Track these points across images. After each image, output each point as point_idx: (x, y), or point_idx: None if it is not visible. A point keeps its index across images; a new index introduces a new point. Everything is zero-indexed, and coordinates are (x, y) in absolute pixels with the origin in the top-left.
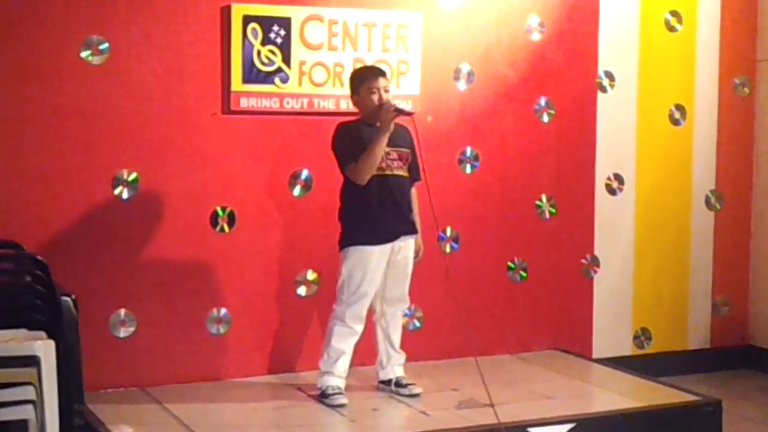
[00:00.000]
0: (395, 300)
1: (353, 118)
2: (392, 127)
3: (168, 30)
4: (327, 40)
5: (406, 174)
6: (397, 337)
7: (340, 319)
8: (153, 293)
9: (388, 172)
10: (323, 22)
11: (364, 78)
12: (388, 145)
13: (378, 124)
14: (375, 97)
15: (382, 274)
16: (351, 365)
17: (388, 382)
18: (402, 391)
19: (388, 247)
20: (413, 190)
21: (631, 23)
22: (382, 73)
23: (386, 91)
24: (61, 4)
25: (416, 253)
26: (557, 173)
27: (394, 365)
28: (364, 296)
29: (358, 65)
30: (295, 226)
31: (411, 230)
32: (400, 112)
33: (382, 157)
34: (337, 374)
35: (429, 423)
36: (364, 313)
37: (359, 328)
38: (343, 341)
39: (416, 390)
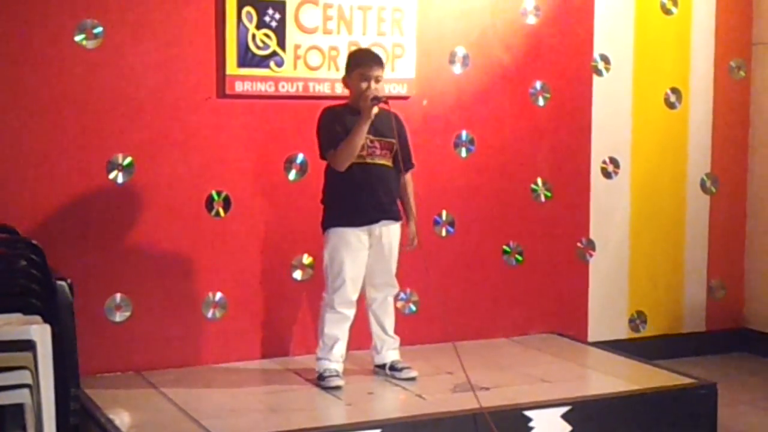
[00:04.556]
0: (383, 285)
1: (342, 101)
2: (372, 116)
3: (162, 13)
4: (322, 23)
5: (388, 163)
6: (389, 323)
7: (329, 306)
8: (148, 277)
9: (368, 160)
10: (318, 6)
11: (360, 63)
12: (371, 133)
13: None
14: (364, 85)
15: (364, 258)
16: (348, 349)
17: (383, 367)
18: (397, 374)
19: (367, 230)
20: (408, 177)
21: (626, 6)
22: (379, 63)
23: (378, 81)
24: None
25: (410, 241)
26: (552, 157)
27: (388, 350)
28: (347, 280)
29: (358, 47)
30: (291, 211)
31: (391, 216)
32: (378, 101)
33: (363, 145)
34: (333, 359)
35: (425, 406)
36: (353, 297)
37: (350, 312)
38: (336, 327)
39: (412, 374)
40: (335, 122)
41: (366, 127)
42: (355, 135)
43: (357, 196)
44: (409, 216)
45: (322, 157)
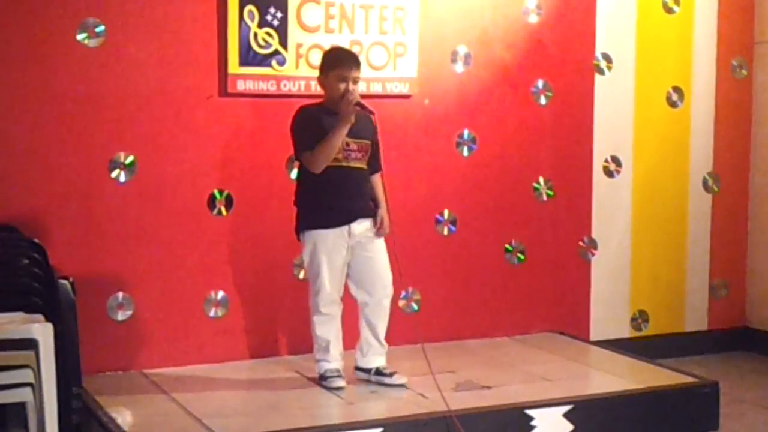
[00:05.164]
0: (374, 288)
1: (316, 100)
2: (353, 119)
3: (164, 12)
4: (324, 22)
5: (364, 166)
6: (382, 327)
7: (315, 310)
8: (150, 276)
9: (344, 163)
10: (320, 4)
11: (338, 64)
12: (349, 135)
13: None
14: (342, 86)
15: (343, 257)
16: (345, 347)
17: (367, 371)
18: (386, 380)
19: (344, 230)
20: (377, 179)
21: (628, 5)
22: (357, 63)
23: (355, 82)
24: None
25: (380, 225)
26: (555, 156)
27: (374, 355)
28: (327, 281)
29: (333, 46)
30: (293, 209)
31: (367, 214)
32: (361, 107)
33: (339, 147)
34: (332, 359)
35: (427, 405)
36: (337, 296)
37: (337, 311)
38: (326, 329)
39: (402, 380)
40: (311, 123)
41: (345, 131)
42: (334, 137)
43: (331, 200)
44: (379, 204)
45: (297, 158)
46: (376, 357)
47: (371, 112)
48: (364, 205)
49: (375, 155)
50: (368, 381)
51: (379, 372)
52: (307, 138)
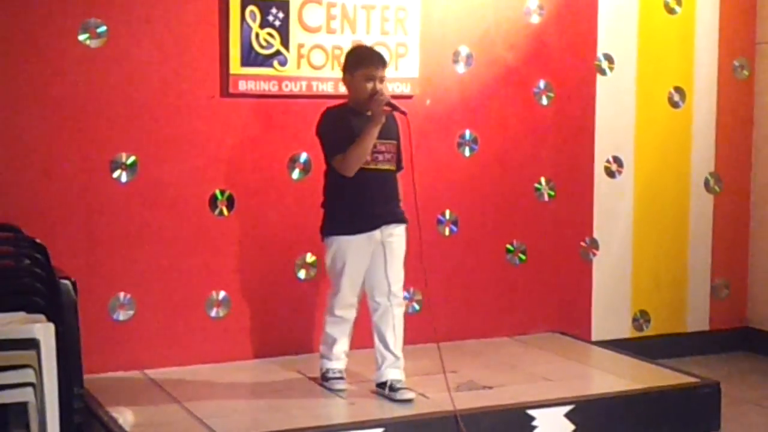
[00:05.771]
0: (383, 293)
1: (341, 101)
2: (384, 119)
3: (166, 13)
4: (325, 22)
5: (392, 167)
6: (391, 337)
7: (330, 310)
8: (152, 276)
9: (372, 166)
10: (321, 5)
11: (364, 62)
12: (378, 137)
13: (368, 113)
14: (370, 86)
15: (366, 263)
16: (350, 345)
17: (382, 386)
18: (394, 395)
19: (370, 235)
20: (398, 177)
21: (630, 5)
22: (383, 62)
23: (382, 81)
24: None
25: None
26: (556, 156)
27: (387, 367)
28: (346, 286)
29: (357, 44)
30: (294, 210)
31: (396, 219)
32: (393, 108)
33: None
34: (334, 358)
35: (428, 405)
36: (353, 300)
37: (350, 315)
38: (336, 329)
39: (408, 395)
40: (340, 125)
41: (377, 131)
42: (367, 139)
43: (360, 206)
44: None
45: (328, 161)
46: (389, 370)
47: (404, 112)
48: (392, 209)
49: (400, 154)
50: (387, 397)
51: (392, 387)
52: (338, 141)
